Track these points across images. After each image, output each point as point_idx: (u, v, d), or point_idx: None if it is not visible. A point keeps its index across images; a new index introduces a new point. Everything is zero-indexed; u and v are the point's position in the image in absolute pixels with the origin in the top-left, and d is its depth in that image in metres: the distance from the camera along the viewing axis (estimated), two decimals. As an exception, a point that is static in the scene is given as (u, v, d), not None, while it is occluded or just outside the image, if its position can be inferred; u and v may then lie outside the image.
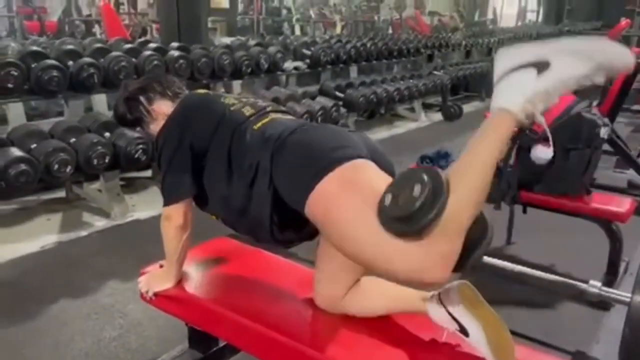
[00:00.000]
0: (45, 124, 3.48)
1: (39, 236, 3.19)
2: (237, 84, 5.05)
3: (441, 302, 1.38)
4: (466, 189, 1.12)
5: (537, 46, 1.15)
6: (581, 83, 1.13)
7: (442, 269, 1.13)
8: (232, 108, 1.59)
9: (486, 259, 2.41)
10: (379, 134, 6.24)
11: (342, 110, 5.21)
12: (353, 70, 6.54)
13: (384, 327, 1.47)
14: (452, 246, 1.13)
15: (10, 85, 3.08)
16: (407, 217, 1.10)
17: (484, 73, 8.22)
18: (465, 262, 1.16)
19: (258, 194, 1.42)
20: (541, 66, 1.12)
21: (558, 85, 1.12)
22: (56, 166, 2.96)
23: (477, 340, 1.30)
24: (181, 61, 3.95)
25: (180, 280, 1.70)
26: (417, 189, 1.10)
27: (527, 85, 1.13)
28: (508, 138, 1.17)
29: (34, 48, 3.45)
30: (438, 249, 1.12)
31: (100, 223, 3.41)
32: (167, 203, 1.57)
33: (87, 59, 3.46)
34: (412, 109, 7.11)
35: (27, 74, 3.18)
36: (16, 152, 2.89)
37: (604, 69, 1.10)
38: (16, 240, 3.14)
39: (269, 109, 1.62)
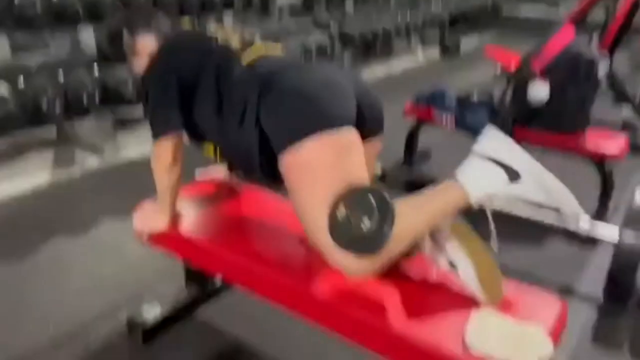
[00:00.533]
0: (32, 59, 3.37)
1: (31, 175, 3.18)
2: (228, 18, 4.89)
3: (432, 237, 1.38)
4: (407, 231, 1.29)
5: (521, 155, 1.29)
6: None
7: (365, 273, 1.34)
8: (219, 40, 1.58)
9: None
10: (375, 71, 6.11)
11: (337, 45, 5.08)
12: (348, 4, 6.33)
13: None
14: (377, 268, 1.33)
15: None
16: (349, 242, 1.24)
17: (482, 7, 7.99)
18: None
19: (247, 128, 1.43)
20: (513, 176, 1.28)
21: (516, 197, 1.30)
22: (45, 104, 2.90)
23: (466, 275, 1.32)
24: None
25: (174, 218, 1.71)
26: (366, 223, 1.22)
27: (495, 185, 1.29)
28: (453, 210, 1.31)
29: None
30: (366, 264, 1.31)
31: (92, 161, 3.39)
32: (155, 136, 1.57)
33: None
34: (410, 45, 6.93)
35: (9, 7, 3.05)
36: (2, 88, 2.82)
37: (554, 206, 1.31)
38: (8, 179, 3.12)
39: (257, 42, 1.59)
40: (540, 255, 2.46)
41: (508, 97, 2.77)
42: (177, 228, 1.70)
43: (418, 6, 6.99)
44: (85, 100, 3.14)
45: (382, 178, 2.67)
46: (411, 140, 3.30)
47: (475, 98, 2.94)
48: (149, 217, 1.72)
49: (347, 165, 1.34)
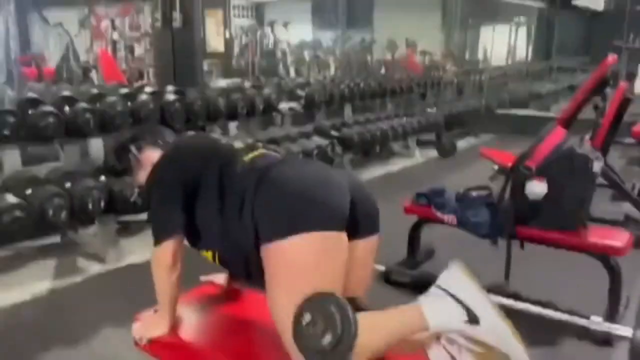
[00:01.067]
0: (42, 170, 3.48)
1: (32, 283, 3.15)
2: (233, 126, 5.11)
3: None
4: (365, 348, 1.28)
5: (483, 301, 1.30)
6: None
7: None
8: (222, 142, 1.67)
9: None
10: (374, 172, 6.26)
11: (338, 149, 5.25)
12: (347, 110, 6.64)
13: None
14: None
15: (6, 132, 3.10)
16: (310, 353, 1.27)
17: (476, 109, 8.34)
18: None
19: (244, 221, 1.44)
20: (472, 319, 1.29)
21: (471, 340, 1.30)
22: (51, 211, 2.95)
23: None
24: (177, 105, 3.99)
25: (174, 326, 1.67)
26: (327, 338, 1.24)
27: (454, 323, 1.30)
28: (413, 333, 1.34)
29: (30, 95, 3.48)
30: None
31: (95, 268, 3.37)
32: (157, 240, 1.58)
33: (83, 104, 3.50)
34: (407, 147, 7.16)
35: (23, 120, 3.21)
36: (11, 198, 2.88)
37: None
38: (8, 288, 3.09)
39: (259, 144, 1.69)
40: (553, 357, 2.36)
41: (507, 195, 2.80)
42: (177, 335, 1.66)
43: (414, 110, 7.31)
44: (90, 208, 3.18)
45: (387, 277, 2.64)
46: (413, 238, 3.30)
47: (474, 195, 2.98)
48: (149, 324, 1.69)
49: (325, 271, 1.36)
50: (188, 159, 1.62)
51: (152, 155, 1.74)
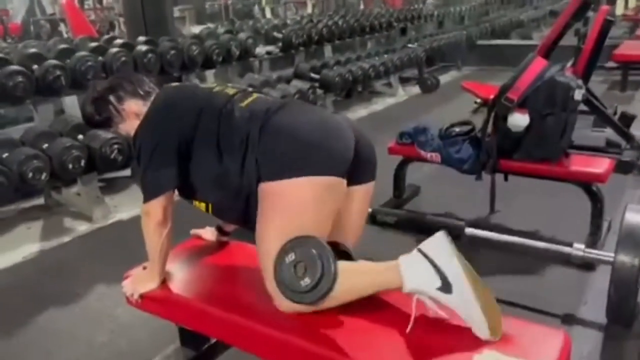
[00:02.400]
0: (16, 132, 3.40)
1: (21, 246, 3.14)
2: (210, 74, 4.99)
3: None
4: (341, 294, 1.36)
5: (458, 272, 1.28)
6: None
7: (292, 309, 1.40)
8: (214, 90, 1.62)
9: (470, 230, 2.43)
10: (357, 112, 6.21)
11: (319, 91, 5.17)
12: (327, 50, 6.49)
13: (365, 310, 1.44)
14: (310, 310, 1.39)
15: (-27, 95, 3.00)
16: (288, 291, 1.35)
17: (458, 42, 8.21)
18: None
19: (248, 167, 1.45)
20: (446, 288, 1.29)
21: (442, 306, 1.31)
22: (30, 174, 2.90)
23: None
24: (150, 55, 3.87)
25: (165, 280, 1.68)
26: (306, 280, 1.32)
27: (427, 287, 1.31)
28: (387, 287, 1.39)
29: (-5, 54, 3.35)
30: (299, 308, 1.39)
31: (82, 227, 3.36)
32: (147, 199, 1.56)
33: (53, 62, 3.37)
34: (390, 85, 7.08)
35: (-9, 82, 3.10)
36: (-13, 163, 2.82)
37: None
38: (-2, 252, 3.09)
39: (250, 89, 1.69)
40: (539, 285, 2.44)
41: (489, 129, 2.80)
42: (168, 289, 1.66)
43: (395, 46, 7.17)
44: (70, 168, 3.13)
45: (373, 218, 2.66)
46: (398, 178, 3.31)
47: (456, 131, 2.97)
48: (140, 280, 1.69)
49: (317, 215, 1.40)
50: (182, 110, 1.56)
51: (134, 106, 1.67)
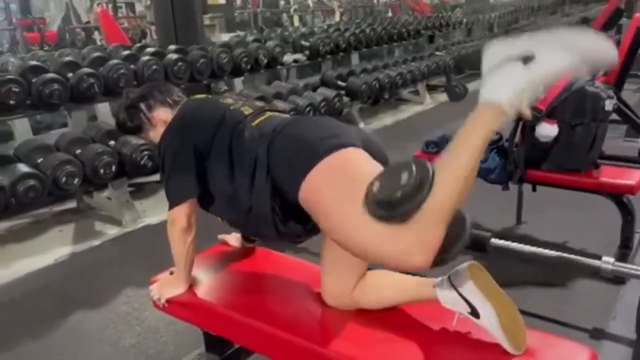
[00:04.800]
0: (51, 137, 3.50)
1: (53, 248, 3.23)
2: (238, 81, 5.06)
3: (452, 284, 1.37)
4: (452, 179, 1.16)
5: (523, 40, 1.16)
6: (566, 75, 1.17)
7: (424, 255, 1.16)
8: (231, 107, 1.63)
9: (497, 241, 2.40)
10: (383, 120, 6.21)
11: (345, 99, 5.18)
12: (354, 58, 6.51)
13: (394, 320, 1.47)
14: (434, 234, 1.16)
15: (12, 102, 3.10)
16: (389, 203, 1.15)
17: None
18: (445, 257, 1.22)
19: (258, 186, 1.45)
20: (527, 59, 1.14)
21: (543, 77, 1.14)
22: (64, 179, 2.99)
23: (489, 322, 1.30)
24: (180, 64, 3.94)
25: (191, 285, 1.71)
26: (404, 177, 1.15)
27: (514, 79, 1.14)
28: (494, 131, 1.19)
29: (34, 63, 3.46)
30: (420, 236, 1.16)
31: (112, 231, 3.44)
32: (171, 205, 1.59)
33: (86, 69, 3.47)
34: (417, 92, 7.06)
35: (28, 89, 3.20)
36: (23, 168, 2.92)
37: (588, 63, 1.12)
38: (30, 254, 3.18)
39: (266, 107, 1.67)
40: (567, 298, 2.39)
41: (517, 139, 2.77)
42: (193, 295, 1.69)
43: (422, 55, 7.14)
44: (102, 173, 3.21)
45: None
46: (425, 188, 3.29)
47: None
48: (166, 285, 1.72)
49: (361, 169, 1.32)
50: (203, 120, 1.60)
51: (162, 114, 1.73)
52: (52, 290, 2.79)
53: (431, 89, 7.40)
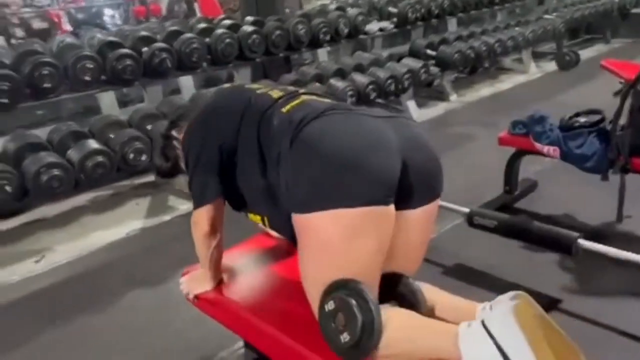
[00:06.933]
0: (128, 112, 3.56)
1: (127, 222, 3.30)
2: (322, 53, 4.85)
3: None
4: (388, 349, 1.12)
5: (527, 353, 1.01)
6: None
7: None
8: (258, 92, 1.45)
9: (585, 242, 2.03)
10: (480, 91, 5.72)
11: (434, 69, 4.80)
12: (451, 24, 6.03)
13: None
14: None
15: (87, 78, 3.16)
16: (331, 345, 1.17)
17: (607, 11, 7.19)
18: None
19: (283, 186, 1.27)
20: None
21: None
22: (131, 155, 3.01)
23: None
24: (254, 36, 3.82)
25: (220, 281, 1.61)
26: (345, 336, 1.13)
27: None
28: (442, 355, 1.10)
29: (110, 38, 3.51)
30: None
31: (183, 206, 3.44)
32: (194, 207, 1.48)
33: (159, 44, 3.46)
34: (521, 61, 6.42)
35: (103, 65, 3.25)
36: (93, 144, 2.98)
37: None
38: (106, 226, 3.27)
39: (301, 91, 1.45)
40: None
41: (623, 120, 2.33)
42: (220, 293, 1.59)
43: (528, 19, 6.46)
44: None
45: (470, 220, 2.36)
46: (510, 172, 2.93)
47: (581, 121, 2.52)
48: (195, 280, 1.64)
49: (357, 253, 1.15)
50: (222, 118, 1.45)
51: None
52: (119, 265, 2.85)
53: (538, 56, 6.70)
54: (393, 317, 1.14)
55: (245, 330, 1.55)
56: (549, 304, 2.08)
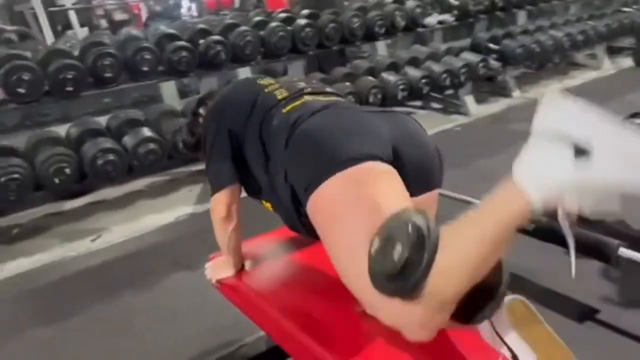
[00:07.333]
0: (182, 103, 3.71)
1: (178, 207, 3.46)
2: (381, 46, 4.81)
3: (491, 323, 1.11)
4: (455, 260, 0.93)
5: (590, 118, 0.85)
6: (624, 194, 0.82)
7: (425, 332, 1.01)
8: (266, 90, 1.49)
9: (628, 252, 1.91)
10: (546, 87, 5.47)
11: (495, 64, 4.64)
12: (520, 17, 5.79)
13: (436, 347, 1.22)
14: (432, 317, 0.98)
15: (145, 69, 3.32)
16: (385, 281, 0.98)
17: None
18: (475, 315, 1.04)
19: (281, 183, 1.31)
20: (581, 151, 0.84)
21: (596, 186, 0.83)
22: (181, 144, 3.13)
23: None
24: (307, 30, 3.85)
25: (242, 267, 1.66)
26: (398, 249, 0.94)
27: (555, 172, 0.86)
28: (519, 223, 0.91)
29: (168, 30, 3.66)
30: (416, 316, 0.98)
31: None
32: (212, 193, 1.53)
33: (215, 37, 3.57)
34: (594, 56, 6.07)
35: (160, 56, 3.39)
36: (147, 131, 3.13)
37: None
38: (159, 210, 3.44)
39: (306, 90, 1.47)
40: None
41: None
42: (240, 280, 1.64)
43: (604, 12, 6.08)
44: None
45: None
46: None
47: (638, 122, 2.36)
48: (219, 265, 1.70)
49: (375, 193, 1.10)
50: (233, 110, 1.50)
51: None
52: (166, 248, 2.98)
53: (615, 52, 6.31)
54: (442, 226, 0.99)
55: (259, 318, 1.58)
56: (586, 313, 1.99)
